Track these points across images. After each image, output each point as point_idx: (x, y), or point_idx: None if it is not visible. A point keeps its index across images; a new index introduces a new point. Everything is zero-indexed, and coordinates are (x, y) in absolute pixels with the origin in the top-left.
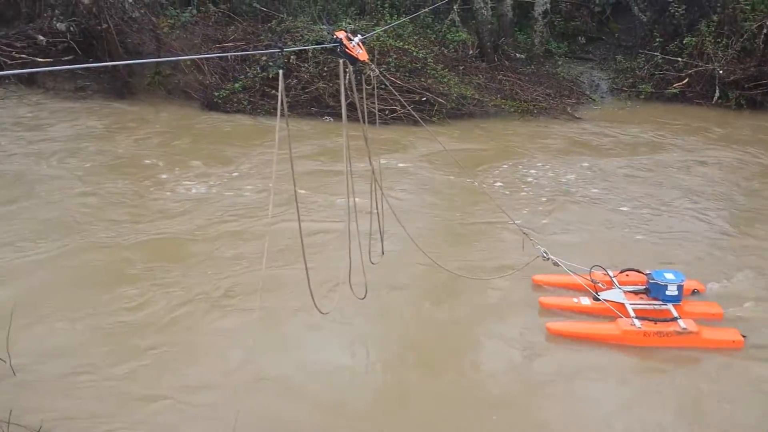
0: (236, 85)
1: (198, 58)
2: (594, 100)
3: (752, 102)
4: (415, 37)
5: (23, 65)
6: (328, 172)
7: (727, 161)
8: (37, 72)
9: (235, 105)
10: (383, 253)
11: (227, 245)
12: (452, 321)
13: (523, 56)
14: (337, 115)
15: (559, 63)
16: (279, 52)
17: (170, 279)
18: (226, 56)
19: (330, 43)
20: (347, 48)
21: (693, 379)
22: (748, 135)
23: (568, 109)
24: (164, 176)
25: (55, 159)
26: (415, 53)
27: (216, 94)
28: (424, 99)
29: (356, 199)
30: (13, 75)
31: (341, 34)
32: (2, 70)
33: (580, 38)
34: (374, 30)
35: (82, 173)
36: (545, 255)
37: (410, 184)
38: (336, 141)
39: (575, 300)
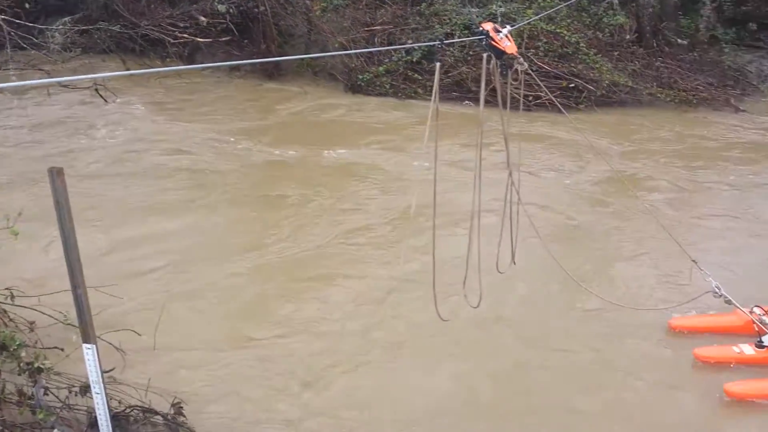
0: (380, 68)
1: (363, 52)
2: (762, 91)
3: None
4: (568, 20)
5: (184, 44)
6: (462, 163)
7: None
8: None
9: (378, 88)
10: (514, 262)
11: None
12: (587, 363)
13: (685, 42)
14: (478, 100)
15: (726, 50)
16: (439, 45)
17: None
18: (376, 43)
19: (476, 35)
20: (494, 40)
21: None
22: None
23: (732, 100)
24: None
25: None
26: (566, 37)
27: (360, 77)
28: (572, 85)
29: (488, 200)
30: (175, 53)
31: (488, 26)
32: (166, 48)
33: (750, 24)
34: (525, 15)
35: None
36: (717, 291)
37: (551, 184)
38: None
39: (736, 350)
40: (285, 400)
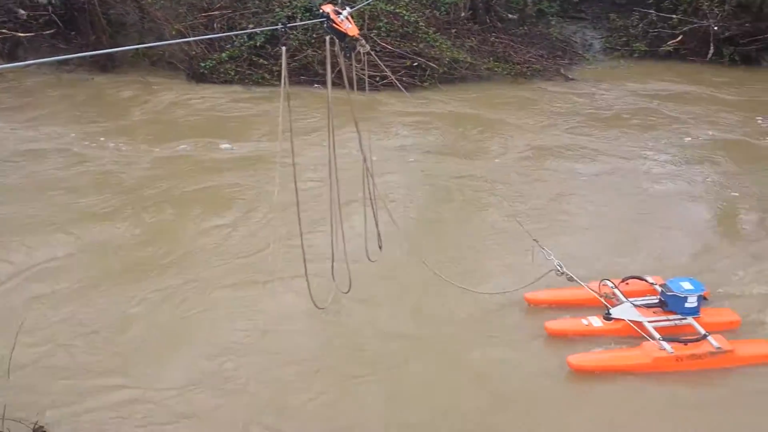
0: (223, 55)
1: (204, 39)
2: (587, 59)
3: (746, 58)
4: (406, 0)
5: (3, 40)
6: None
7: (723, 130)
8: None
9: (222, 75)
10: (381, 247)
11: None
12: (446, 344)
13: (515, 17)
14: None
15: (552, 23)
16: (282, 29)
17: (166, 275)
18: (215, 29)
19: (318, 17)
20: (335, 23)
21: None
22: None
23: (562, 70)
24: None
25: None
26: (406, 17)
27: (202, 64)
28: (416, 64)
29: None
30: None
31: (328, 8)
32: None
33: None
34: None
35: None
36: (559, 269)
37: (401, 167)
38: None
39: (585, 322)
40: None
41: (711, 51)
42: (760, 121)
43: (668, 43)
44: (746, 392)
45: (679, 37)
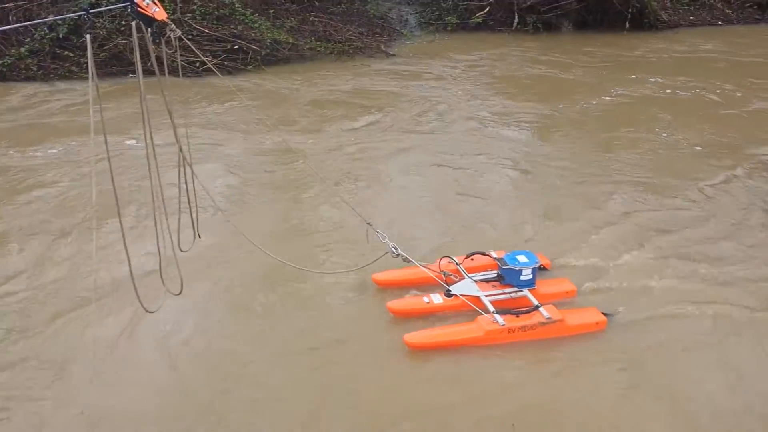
0: (22, 50)
1: (3, 30)
2: (405, 35)
3: (548, 25)
4: None
5: None
6: (133, 146)
7: (539, 105)
8: None
9: (23, 72)
10: (199, 237)
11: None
12: (291, 333)
13: None
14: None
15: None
16: (85, 16)
17: None
18: (11, 21)
19: (121, 2)
20: (140, 7)
21: (567, 370)
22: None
23: (382, 46)
24: None
25: None
26: None
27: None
28: (236, 47)
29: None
30: None
31: None
32: None
33: None
34: None
35: None
36: (394, 251)
37: (224, 152)
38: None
39: (426, 300)
40: None
41: (516, 20)
42: (652, 80)
43: (477, 15)
44: (571, 359)
45: (487, 9)
